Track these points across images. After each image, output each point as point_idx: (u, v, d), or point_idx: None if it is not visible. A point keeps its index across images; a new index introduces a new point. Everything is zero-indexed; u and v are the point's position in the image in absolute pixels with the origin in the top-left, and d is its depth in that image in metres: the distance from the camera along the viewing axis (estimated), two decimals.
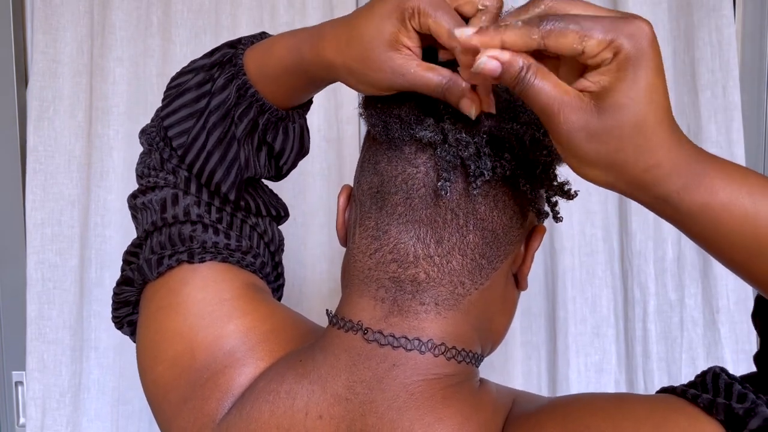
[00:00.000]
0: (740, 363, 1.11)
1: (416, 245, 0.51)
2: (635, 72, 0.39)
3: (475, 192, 0.49)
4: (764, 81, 1.12)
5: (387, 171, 0.52)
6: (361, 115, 0.55)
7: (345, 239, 0.58)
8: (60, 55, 1.12)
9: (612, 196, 1.13)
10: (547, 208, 0.55)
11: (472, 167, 0.49)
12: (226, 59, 0.60)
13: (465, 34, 0.43)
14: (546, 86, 0.41)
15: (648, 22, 0.40)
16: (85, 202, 1.14)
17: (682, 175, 0.42)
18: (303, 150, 0.65)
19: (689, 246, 1.11)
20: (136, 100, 1.13)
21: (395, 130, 0.51)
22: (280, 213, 0.68)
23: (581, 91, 0.41)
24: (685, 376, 1.11)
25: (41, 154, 1.12)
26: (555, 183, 0.53)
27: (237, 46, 0.61)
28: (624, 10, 1.05)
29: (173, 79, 0.63)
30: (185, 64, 0.64)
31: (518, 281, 0.57)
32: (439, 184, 0.49)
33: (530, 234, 0.55)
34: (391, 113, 0.51)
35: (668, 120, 0.42)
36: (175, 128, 0.60)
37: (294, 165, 0.66)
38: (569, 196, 0.53)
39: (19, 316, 1.17)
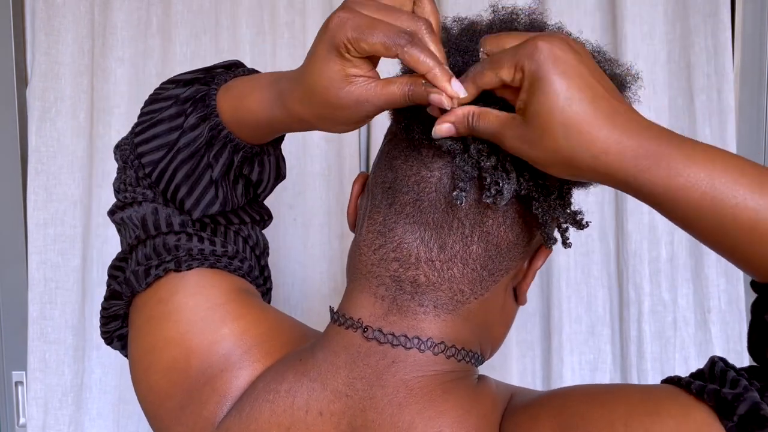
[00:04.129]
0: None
1: (419, 247, 0.51)
2: (541, 83, 0.44)
3: (487, 201, 0.49)
4: (764, 83, 1.13)
5: (402, 169, 0.52)
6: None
7: (354, 225, 0.58)
8: (61, 56, 1.12)
9: (608, 197, 1.15)
10: (557, 234, 0.53)
11: (488, 179, 0.48)
12: (200, 96, 0.59)
13: (460, 94, 0.47)
14: (488, 121, 0.48)
15: (548, 39, 0.45)
16: (87, 202, 1.14)
17: (637, 157, 0.44)
18: (279, 177, 0.65)
19: (681, 247, 1.12)
20: (137, 100, 1.13)
21: (416, 133, 0.51)
22: (264, 216, 0.68)
23: (517, 112, 0.46)
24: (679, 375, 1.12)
25: (43, 155, 1.13)
26: (568, 211, 0.52)
27: (210, 83, 0.60)
28: (621, 15, 1.08)
29: (150, 102, 0.62)
30: (180, 71, 0.62)
31: (517, 296, 0.57)
32: (454, 194, 0.49)
33: (535, 253, 0.55)
34: (417, 116, 0.51)
35: (605, 109, 0.44)
36: (147, 157, 0.60)
37: (271, 190, 0.66)
38: (580, 226, 0.52)
39: (19, 316, 1.17)
